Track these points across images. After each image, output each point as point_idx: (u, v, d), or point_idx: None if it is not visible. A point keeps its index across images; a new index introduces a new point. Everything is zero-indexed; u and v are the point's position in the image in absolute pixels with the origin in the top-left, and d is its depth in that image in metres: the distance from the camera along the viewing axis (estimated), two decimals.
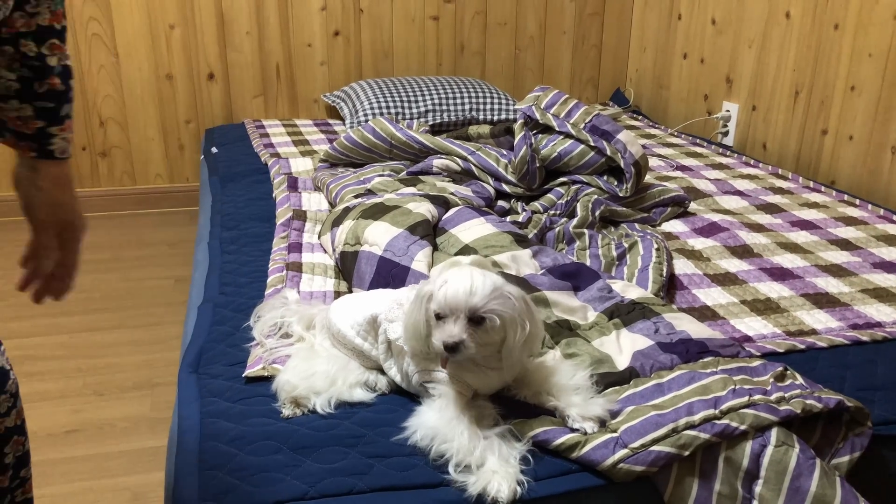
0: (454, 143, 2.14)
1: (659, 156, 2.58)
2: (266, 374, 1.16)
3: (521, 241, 1.53)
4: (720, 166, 2.48)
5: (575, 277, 1.42)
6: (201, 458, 0.99)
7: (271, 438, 1.02)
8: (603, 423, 1.03)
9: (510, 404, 1.07)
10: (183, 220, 3.08)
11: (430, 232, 1.53)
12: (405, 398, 1.12)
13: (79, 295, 2.43)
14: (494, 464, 0.95)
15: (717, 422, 1.00)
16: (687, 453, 0.98)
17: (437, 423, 1.00)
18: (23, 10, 0.77)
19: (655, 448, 0.98)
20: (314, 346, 1.21)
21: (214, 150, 2.64)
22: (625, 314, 1.30)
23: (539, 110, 2.04)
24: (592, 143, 1.95)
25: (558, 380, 1.07)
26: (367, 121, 2.68)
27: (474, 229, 1.55)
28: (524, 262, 1.46)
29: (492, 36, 3.34)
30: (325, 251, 1.67)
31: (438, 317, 0.99)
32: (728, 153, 2.66)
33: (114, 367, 2.04)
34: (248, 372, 1.17)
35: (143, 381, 1.97)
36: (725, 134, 2.89)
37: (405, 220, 1.54)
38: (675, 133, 2.97)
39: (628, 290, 1.40)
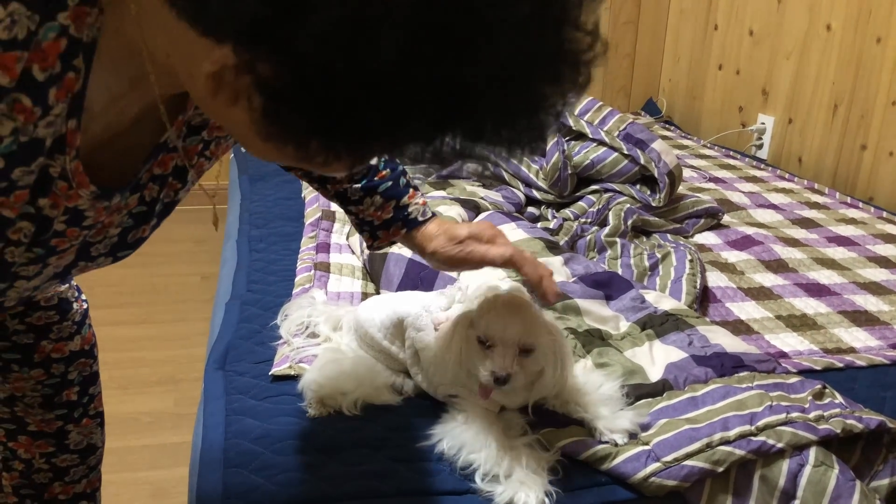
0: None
1: (691, 167, 2.54)
2: (292, 373, 1.15)
3: (553, 248, 1.51)
4: (754, 179, 2.43)
5: (607, 286, 1.39)
6: (226, 456, 0.98)
7: (296, 438, 1.01)
8: (633, 436, 1.00)
9: (539, 413, 1.04)
10: (210, 218, 3.09)
11: None
12: (432, 402, 1.10)
13: (105, 289, 2.45)
14: (522, 474, 0.92)
15: (752, 438, 0.97)
16: (721, 469, 0.95)
17: (465, 433, 0.98)
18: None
19: (688, 463, 0.95)
20: (341, 347, 1.20)
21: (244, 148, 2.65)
22: (658, 325, 1.28)
23: (572, 116, 2.02)
24: (626, 152, 1.92)
25: (587, 391, 1.05)
26: None
27: (506, 235, 1.53)
28: (556, 270, 1.43)
29: None
30: (354, 252, 1.66)
31: (482, 343, 0.96)
32: (762, 166, 2.61)
33: (138, 362, 2.05)
34: (275, 370, 1.16)
35: (167, 376, 1.98)
36: (760, 147, 2.84)
37: None
38: (708, 145, 2.93)
39: (661, 300, 1.37)
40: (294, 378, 1.14)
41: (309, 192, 2.07)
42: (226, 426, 1.04)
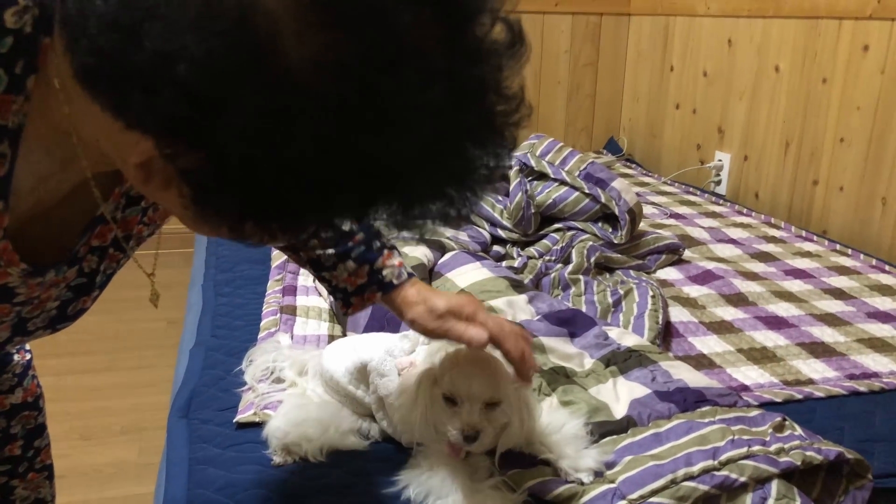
0: None
1: (653, 204, 2.60)
2: (257, 419, 1.14)
3: (517, 287, 1.52)
4: (713, 214, 2.49)
5: (571, 324, 1.41)
6: None
7: (261, 487, 1.00)
8: (598, 474, 1.01)
9: (505, 455, 1.05)
10: (177, 262, 3.06)
11: (426, 276, 1.53)
12: (398, 446, 1.10)
13: (69, 336, 2.40)
14: None
15: (716, 473, 0.99)
16: None
17: (430, 479, 0.97)
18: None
19: (654, 499, 0.96)
20: (306, 392, 1.19)
21: None
22: (621, 362, 1.29)
23: (534, 157, 2.06)
24: (587, 191, 1.96)
25: (551, 430, 1.05)
26: None
27: (470, 274, 1.55)
28: (520, 308, 1.45)
29: None
30: (321, 294, 1.66)
31: (448, 400, 0.95)
32: (721, 202, 2.68)
33: (102, 411, 2.00)
34: (239, 417, 1.15)
35: (131, 425, 1.94)
36: (718, 183, 2.92)
37: None
38: (669, 181, 3.00)
39: (624, 337, 1.39)
40: (259, 425, 1.13)
41: None
42: (189, 476, 1.02)
